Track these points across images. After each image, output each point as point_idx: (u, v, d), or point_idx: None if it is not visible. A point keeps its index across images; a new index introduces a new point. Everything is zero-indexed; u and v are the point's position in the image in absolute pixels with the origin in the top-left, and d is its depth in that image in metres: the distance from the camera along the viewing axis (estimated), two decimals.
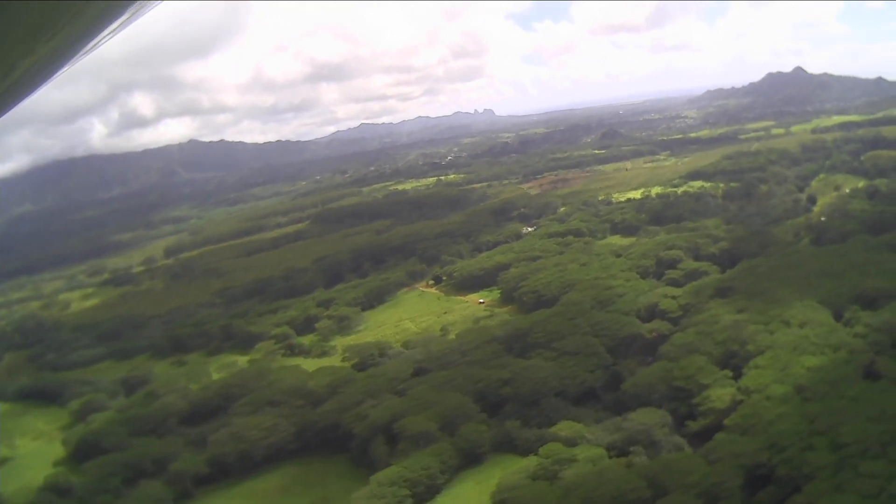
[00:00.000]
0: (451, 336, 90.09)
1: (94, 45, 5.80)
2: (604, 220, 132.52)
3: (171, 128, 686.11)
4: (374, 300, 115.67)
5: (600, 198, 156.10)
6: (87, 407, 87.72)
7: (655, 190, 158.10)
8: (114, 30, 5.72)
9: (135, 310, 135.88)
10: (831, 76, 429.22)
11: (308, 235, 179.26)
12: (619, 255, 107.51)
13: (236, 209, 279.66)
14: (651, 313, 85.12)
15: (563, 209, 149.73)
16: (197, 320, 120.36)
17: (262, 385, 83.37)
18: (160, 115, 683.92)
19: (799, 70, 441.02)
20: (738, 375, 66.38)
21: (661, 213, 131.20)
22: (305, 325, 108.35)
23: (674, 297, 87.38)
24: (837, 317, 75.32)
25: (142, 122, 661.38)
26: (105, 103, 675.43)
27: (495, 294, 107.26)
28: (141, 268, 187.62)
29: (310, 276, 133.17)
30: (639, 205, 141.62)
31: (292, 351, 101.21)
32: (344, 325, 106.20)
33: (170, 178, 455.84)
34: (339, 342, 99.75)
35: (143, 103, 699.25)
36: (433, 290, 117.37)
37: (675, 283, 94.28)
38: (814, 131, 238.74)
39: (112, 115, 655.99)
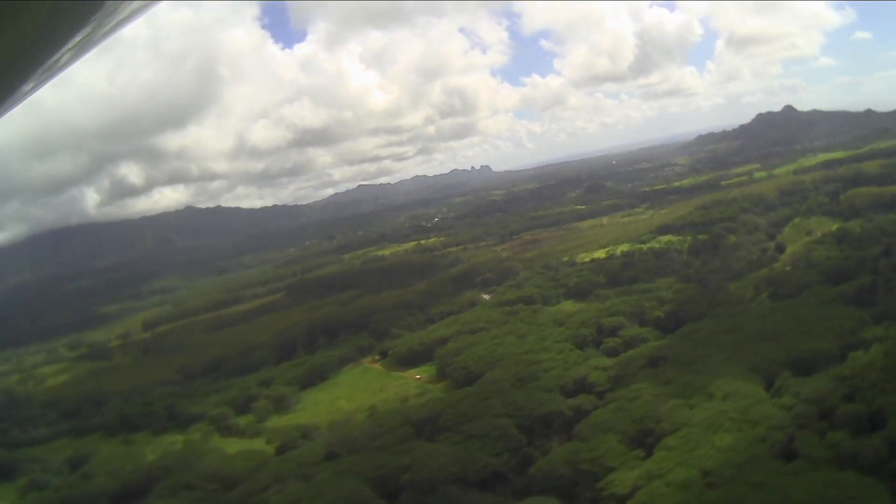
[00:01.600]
0: (376, 417, 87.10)
1: (83, 46, 5.59)
2: (559, 285, 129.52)
3: (167, 195, 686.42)
4: (315, 378, 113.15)
5: (564, 259, 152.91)
6: (30, 485, 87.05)
7: (622, 247, 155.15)
8: (99, 31, 5.48)
9: (101, 386, 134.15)
10: (820, 112, 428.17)
11: (278, 308, 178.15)
12: (561, 324, 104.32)
13: (223, 278, 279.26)
14: (578, 387, 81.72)
15: (525, 273, 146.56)
16: (147, 399, 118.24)
17: (184, 468, 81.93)
18: (150, 184, 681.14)
19: (789, 108, 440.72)
20: (649, 456, 63.01)
21: (618, 274, 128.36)
22: (245, 405, 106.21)
23: (604, 369, 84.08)
24: (768, 385, 70.81)
25: (133, 191, 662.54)
26: (90, 174, 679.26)
27: (433, 370, 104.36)
28: (118, 342, 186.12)
29: (265, 352, 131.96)
30: (599, 266, 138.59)
31: (229, 432, 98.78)
32: (282, 405, 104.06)
33: (165, 246, 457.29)
34: (275, 422, 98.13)
35: (131, 172, 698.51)
36: (377, 365, 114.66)
37: (613, 353, 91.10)
38: (795, 172, 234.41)
39: (102, 184, 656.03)
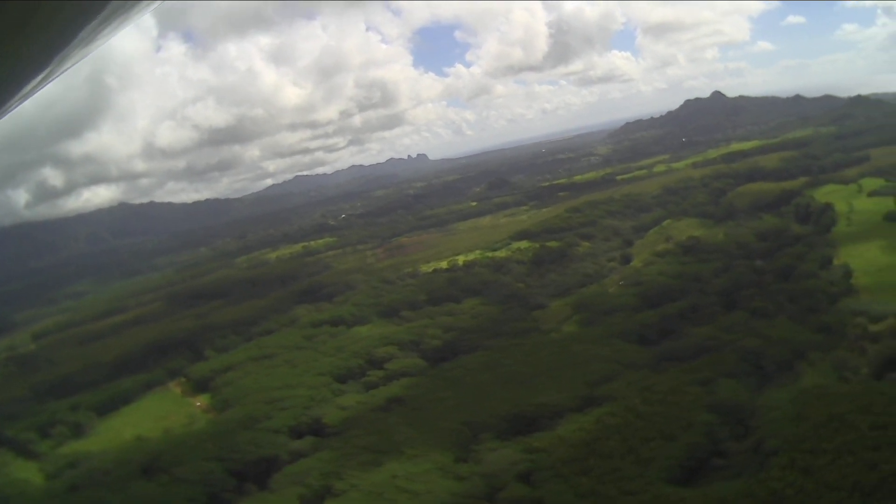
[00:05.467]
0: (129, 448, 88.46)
1: (80, 48, 5.69)
2: (379, 303, 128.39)
3: (100, 193, 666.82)
4: (119, 402, 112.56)
5: (408, 270, 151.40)
6: None
7: (472, 256, 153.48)
8: (99, 31, 5.58)
9: None
10: (747, 98, 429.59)
11: (147, 320, 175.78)
12: (341, 351, 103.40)
13: (131, 283, 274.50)
14: (312, 428, 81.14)
15: (362, 287, 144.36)
16: None
17: None
18: (71, 186, 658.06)
19: (717, 95, 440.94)
20: None
21: (440, 291, 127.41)
22: (50, 429, 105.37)
23: (345, 409, 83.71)
24: (467, 447, 69.50)
25: (57, 193, 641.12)
26: (3, 182, 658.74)
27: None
28: (4, 354, 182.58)
29: (102, 371, 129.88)
30: (429, 280, 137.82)
31: (28, 457, 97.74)
32: (78, 431, 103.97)
33: (97, 245, 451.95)
34: (70, 448, 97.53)
35: (50, 177, 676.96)
36: (179, 390, 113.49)
37: (372, 387, 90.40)
38: (694, 165, 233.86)
39: (26, 188, 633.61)
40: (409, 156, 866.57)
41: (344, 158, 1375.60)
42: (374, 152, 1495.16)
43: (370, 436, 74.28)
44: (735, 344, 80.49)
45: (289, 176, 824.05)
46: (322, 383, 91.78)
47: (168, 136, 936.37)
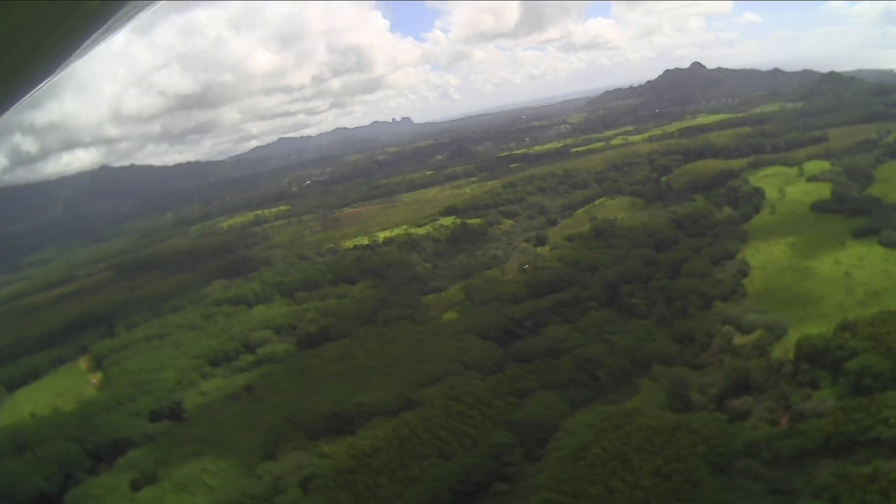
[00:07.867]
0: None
1: (87, 46, 5.86)
2: (285, 282, 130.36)
3: (80, 156, 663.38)
4: (30, 377, 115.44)
5: (330, 246, 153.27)
6: None
7: (397, 231, 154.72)
8: (106, 31, 5.74)
9: None
10: (725, 71, 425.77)
11: (88, 291, 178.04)
12: (226, 331, 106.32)
13: (92, 250, 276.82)
14: (173, 412, 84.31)
15: (278, 264, 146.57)
16: None
17: None
18: (45, 152, 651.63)
19: (696, 66, 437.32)
20: None
21: (345, 270, 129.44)
22: None
23: (204, 394, 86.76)
24: (278, 444, 70.84)
25: (33, 159, 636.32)
26: None
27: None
28: None
29: (26, 344, 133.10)
30: (340, 258, 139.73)
31: None
32: None
33: (75, 209, 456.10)
34: None
35: (22, 143, 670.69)
36: (85, 366, 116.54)
37: (241, 371, 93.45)
38: (651, 139, 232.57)
39: (4, 151, 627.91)
40: (393, 119, 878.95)
41: (329, 121, 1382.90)
42: (360, 115, 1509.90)
43: (207, 424, 78.05)
44: (579, 349, 77.47)
45: (273, 138, 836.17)
46: (195, 366, 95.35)
47: (137, 102, 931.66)
